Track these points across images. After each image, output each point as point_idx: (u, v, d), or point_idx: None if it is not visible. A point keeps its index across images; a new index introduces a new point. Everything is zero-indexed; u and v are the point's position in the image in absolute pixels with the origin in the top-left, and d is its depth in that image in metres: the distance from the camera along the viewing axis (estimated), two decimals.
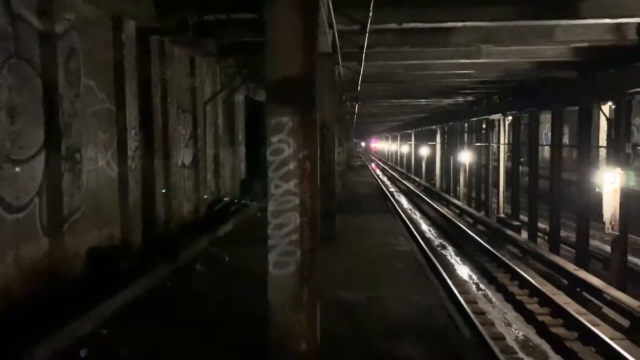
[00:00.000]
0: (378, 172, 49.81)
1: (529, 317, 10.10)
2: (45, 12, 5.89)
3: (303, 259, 4.08)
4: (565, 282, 11.77)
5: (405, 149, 49.26)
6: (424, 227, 21.01)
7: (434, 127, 31.80)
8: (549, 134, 29.53)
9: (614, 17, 7.42)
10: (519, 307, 10.76)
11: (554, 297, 10.50)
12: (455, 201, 25.89)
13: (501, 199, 20.13)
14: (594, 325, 8.97)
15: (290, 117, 4.06)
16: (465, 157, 24.42)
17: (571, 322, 9.25)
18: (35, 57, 5.80)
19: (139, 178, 8.28)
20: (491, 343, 7.91)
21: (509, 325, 9.92)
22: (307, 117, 4.13)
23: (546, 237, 17.38)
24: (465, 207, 24.04)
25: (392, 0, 7.30)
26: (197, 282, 7.34)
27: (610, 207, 10.66)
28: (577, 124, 12.50)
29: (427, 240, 17.67)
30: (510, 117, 18.80)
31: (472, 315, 8.91)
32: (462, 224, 20.03)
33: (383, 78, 13.95)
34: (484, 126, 22.00)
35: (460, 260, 15.33)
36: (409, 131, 42.19)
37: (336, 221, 10.29)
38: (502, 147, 19.94)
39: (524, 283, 11.91)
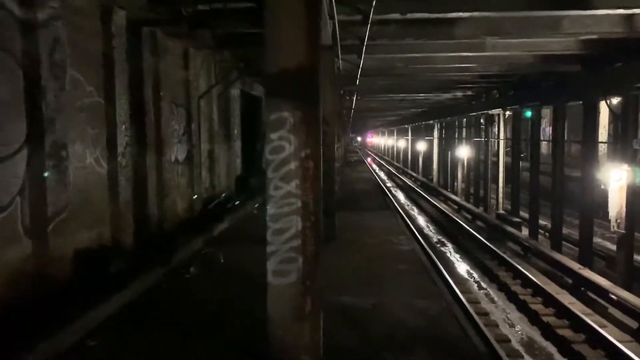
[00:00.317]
0: (375, 167, 49.53)
1: (533, 318, 9.83)
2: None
3: (305, 267, 3.75)
4: (570, 281, 11.49)
5: (402, 144, 48.96)
6: (422, 223, 20.73)
7: (432, 122, 31.49)
8: (547, 130, 29.52)
9: (627, 7, 7.09)
10: (522, 307, 10.48)
11: (558, 297, 10.22)
12: (453, 197, 25.62)
13: (500, 195, 19.86)
14: (601, 326, 8.70)
15: (291, 112, 3.73)
16: (464, 152, 24.13)
17: (577, 323, 8.97)
18: (16, 47, 5.44)
19: (130, 175, 7.93)
20: None
21: (512, 326, 9.64)
22: (310, 112, 3.80)
23: (547, 234, 17.16)
24: (463, 203, 23.76)
25: None
26: (193, 284, 7.02)
27: (616, 204, 10.38)
28: (582, 119, 12.19)
29: (426, 237, 17.38)
30: (509, 112, 18.52)
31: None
32: (461, 220, 19.75)
33: (383, 72, 13.60)
34: (482, 121, 21.70)
35: (460, 257, 15.05)
36: (406, 126, 41.87)
37: (336, 219, 9.96)
38: (501, 143, 19.66)
39: (526, 282, 11.63)
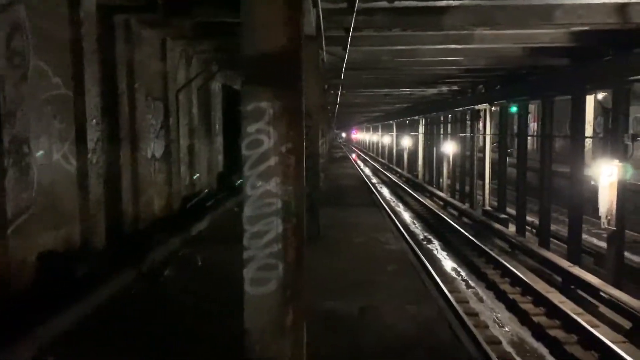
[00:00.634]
0: (360, 163, 49.26)
1: (523, 318, 9.57)
2: None
3: (287, 274, 3.37)
4: (559, 279, 11.28)
5: (387, 139, 48.75)
6: (409, 220, 20.46)
7: (417, 117, 31.25)
8: (531, 125, 29.46)
9: None
10: (511, 306, 10.23)
11: (548, 296, 9.99)
12: (439, 193, 25.42)
13: (487, 191, 19.65)
14: (593, 326, 8.47)
15: (271, 102, 3.33)
16: (449, 148, 23.91)
17: (569, 324, 8.74)
18: None
19: (102, 172, 7.46)
20: None
21: (502, 326, 9.38)
22: (291, 102, 3.41)
23: (534, 231, 16.99)
24: (449, 199, 23.57)
25: None
26: (166, 289, 6.55)
27: (607, 201, 10.16)
28: (571, 113, 11.98)
29: (413, 234, 17.11)
30: (495, 108, 18.29)
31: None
32: (447, 217, 19.53)
33: (368, 65, 13.24)
34: (468, 116, 21.48)
35: (448, 255, 14.80)
36: (391, 122, 41.63)
37: (320, 217, 9.59)
38: (487, 138, 19.44)
39: (515, 280, 11.39)
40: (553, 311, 9.37)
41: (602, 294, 9.50)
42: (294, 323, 3.39)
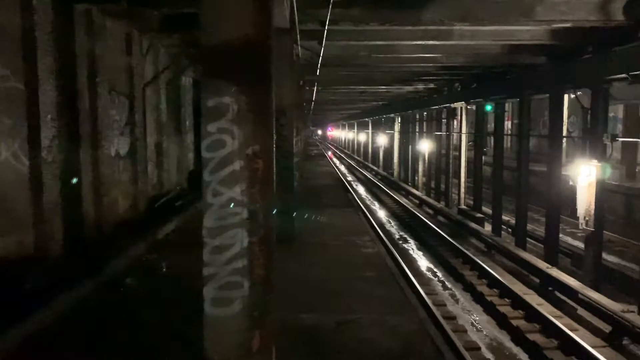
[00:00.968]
0: (335, 160, 49.00)
1: (501, 321, 9.37)
2: None
3: (253, 294, 2.97)
4: (537, 280, 11.13)
5: (362, 137, 48.58)
6: (384, 219, 20.23)
7: (393, 115, 31.08)
8: (506, 124, 29.55)
9: None
10: (489, 309, 10.03)
11: (526, 298, 9.83)
12: (415, 191, 25.28)
13: (462, 189, 19.54)
14: (572, 330, 8.30)
15: (235, 97, 2.92)
16: (425, 146, 23.76)
17: (548, 327, 8.55)
18: None
19: (58, 172, 6.92)
20: None
21: (481, 330, 9.16)
22: (259, 98, 3.01)
23: (509, 230, 16.91)
24: (425, 197, 23.44)
25: None
26: (127, 301, 6.03)
27: (585, 201, 10.01)
28: (549, 112, 11.83)
29: (388, 234, 16.87)
30: (472, 106, 18.15)
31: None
32: (423, 215, 19.36)
33: (345, 61, 12.88)
34: (444, 115, 21.34)
35: (424, 254, 14.60)
36: (367, 119, 41.43)
37: (295, 220, 9.19)
38: (463, 136, 19.30)
39: (492, 282, 11.22)
40: (531, 314, 9.19)
41: (580, 296, 9.35)
42: (260, 347, 3.00)
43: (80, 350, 4.71)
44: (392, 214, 21.02)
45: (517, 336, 8.68)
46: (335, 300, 6.04)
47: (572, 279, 10.01)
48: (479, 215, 17.00)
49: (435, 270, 13.12)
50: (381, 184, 29.76)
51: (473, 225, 16.29)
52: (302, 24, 8.31)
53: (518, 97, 13.52)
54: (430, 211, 20.90)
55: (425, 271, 13.05)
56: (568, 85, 10.71)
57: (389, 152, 34.72)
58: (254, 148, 2.95)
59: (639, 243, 14.75)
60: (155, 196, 10.90)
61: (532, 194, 15.05)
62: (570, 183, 10.52)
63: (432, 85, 19.93)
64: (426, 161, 24.89)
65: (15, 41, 6.15)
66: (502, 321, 9.37)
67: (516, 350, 8.33)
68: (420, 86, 20.20)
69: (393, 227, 18.57)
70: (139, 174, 10.04)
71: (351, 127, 58.33)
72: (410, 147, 27.87)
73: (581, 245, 14.78)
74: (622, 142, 17.65)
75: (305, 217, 10.95)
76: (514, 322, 9.08)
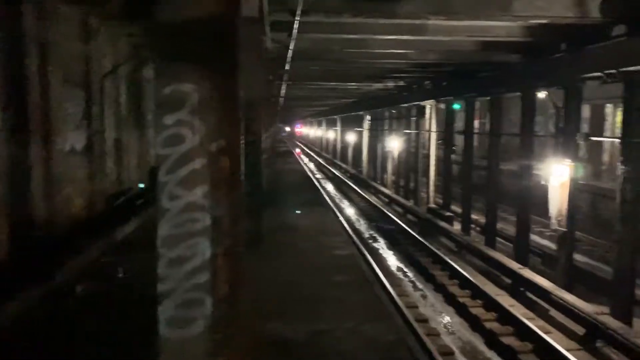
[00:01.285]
0: (304, 158, 48.65)
1: (474, 324, 9.19)
2: None
3: (217, 313, 2.56)
4: (508, 281, 11.02)
5: (331, 134, 48.32)
6: (354, 217, 19.99)
7: (362, 113, 30.89)
8: (475, 122, 29.72)
9: None
10: (461, 310, 9.86)
11: (498, 299, 9.67)
12: (384, 189, 25.13)
13: (431, 188, 19.45)
14: (545, 332, 8.16)
15: (196, 84, 2.50)
16: (394, 144, 23.61)
17: (521, 330, 8.39)
18: None
19: (4, 169, 6.33)
20: None
21: (453, 333, 8.95)
22: (224, 85, 2.59)
23: (478, 229, 16.87)
24: (394, 195, 23.32)
25: None
26: (78, 312, 5.45)
27: (557, 201, 9.92)
28: (521, 110, 11.73)
29: (358, 233, 16.61)
30: (441, 105, 18.02)
31: None
32: (392, 214, 19.20)
33: (316, 55, 12.48)
34: (413, 113, 21.20)
35: (394, 254, 14.40)
36: (336, 117, 41.17)
37: (263, 219, 8.76)
38: (432, 135, 19.19)
39: (463, 282, 11.06)
40: (504, 316, 9.04)
41: (553, 297, 9.25)
42: None
43: None
44: (362, 213, 20.80)
45: (491, 339, 8.50)
46: (307, 307, 5.65)
47: (545, 280, 9.92)
48: (448, 214, 16.90)
49: (405, 270, 12.92)
50: (350, 181, 29.55)
51: (442, 224, 16.18)
52: (272, 14, 7.89)
53: (489, 95, 13.42)
54: (400, 210, 20.77)
55: (395, 271, 12.83)
56: (541, 83, 10.60)
57: (358, 150, 34.54)
58: (218, 143, 2.53)
59: (605, 242, 14.90)
60: (115, 194, 10.28)
61: (502, 193, 15.02)
62: (543, 182, 10.42)
63: (402, 83, 19.74)
64: (395, 159, 24.77)
65: None
66: (475, 324, 9.19)
67: (490, 354, 8.14)
68: (391, 84, 19.99)
69: (362, 226, 18.33)
70: (97, 171, 9.45)
71: (320, 124, 58.04)
72: (379, 145, 27.71)
73: (549, 244, 14.90)
74: (588, 141, 17.80)
75: (274, 217, 10.51)
76: (487, 325, 8.90)
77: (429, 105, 18.74)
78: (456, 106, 17.18)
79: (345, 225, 16.04)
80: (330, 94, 25.48)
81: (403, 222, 17.45)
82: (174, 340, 2.57)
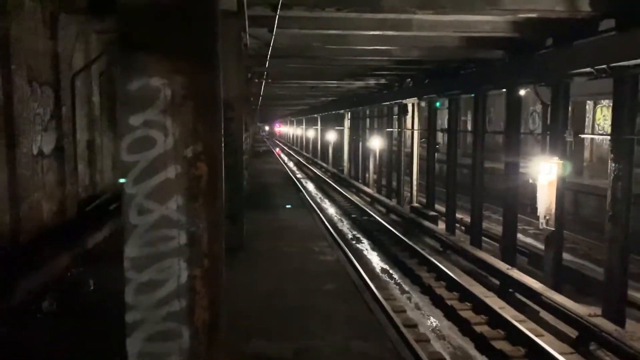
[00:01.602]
0: (284, 157, 48.21)
1: (464, 327, 8.93)
2: None
3: (195, 346, 2.19)
4: (497, 282, 10.80)
5: (311, 133, 47.96)
6: (336, 217, 19.65)
7: (343, 111, 30.59)
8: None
9: None
10: (450, 313, 9.58)
11: (487, 301, 9.43)
12: (366, 189, 24.86)
13: (414, 187, 19.23)
14: (537, 335, 7.93)
15: (168, 78, 2.13)
16: (376, 142, 23.35)
17: (512, 333, 8.15)
18: None
19: None
20: None
21: (443, 339, 8.67)
22: (202, 80, 2.23)
23: (463, 228, 16.70)
24: (376, 195, 23.06)
25: None
26: (43, 332, 4.94)
27: (545, 200, 9.72)
28: (506, 108, 11.54)
29: (341, 233, 16.28)
30: (423, 103, 17.82)
31: None
32: (375, 214, 18.91)
33: (296, 52, 12.12)
34: (396, 110, 20.96)
35: (378, 255, 14.09)
36: (316, 115, 40.82)
37: (244, 224, 8.36)
38: (415, 133, 18.98)
39: (451, 284, 10.80)
40: (495, 319, 8.80)
41: (544, 299, 9.04)
42: None
43: None
44: (344, 213, 20.48)
45: (482, 344, 8.25)
46: (292, 320, 5.25)
47: (534, 280, 9.71)
48: (432, 213, 16.69)
49: (391, 272, 12.62)
50: (331, 181, 29.22)
51: (427, 223, 15.95)
52: (251, 8, 7.50)
53: (473, 92, 13.21)
54: (383, 209, 20.51)
55: (380, 273, 12.53)
56: (527, 80, 10.40)
57: (339, 148, 34.25)
58: (194, 148, 2.17)
59: (588, 240, 14.86)
60: (87, 199, 9.78)
61: (486, 192, 14.87)
62: (530, 181, 10.23)
63: (383, 81, 19.48)
64: (377, 158, 24.51)
65: None
66: (464, 327, 8.93)
67: (481, 359, 7.88)
68: (372, 81, 19.71)
69: (345, 227, 18.00)
70: (67, 175, 8.94)
71: (300, 123, 57.65)
72: (360, 143, 27.44)
73: (535, 243, 14.79)
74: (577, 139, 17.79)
75: (255, 220, 10.10)
76: (478, 329, 8.65)
77: (411, 103, 18.52)
78: (438, 104, 17.00)
79: (328, 226, 15.67)
80: (310, 92, 25.13)
81: (386, 222, 17.17)
82: None
